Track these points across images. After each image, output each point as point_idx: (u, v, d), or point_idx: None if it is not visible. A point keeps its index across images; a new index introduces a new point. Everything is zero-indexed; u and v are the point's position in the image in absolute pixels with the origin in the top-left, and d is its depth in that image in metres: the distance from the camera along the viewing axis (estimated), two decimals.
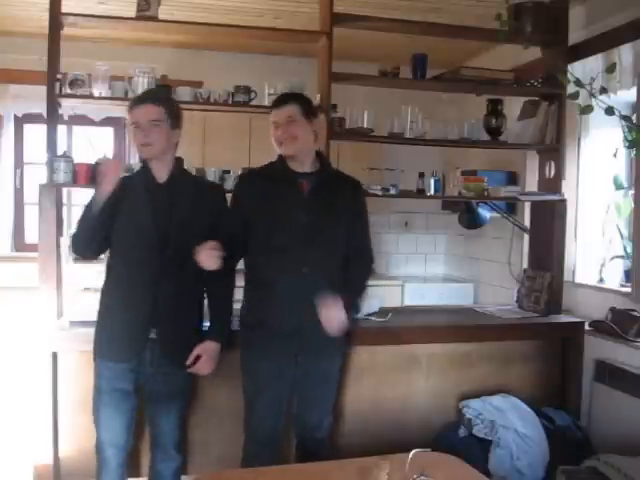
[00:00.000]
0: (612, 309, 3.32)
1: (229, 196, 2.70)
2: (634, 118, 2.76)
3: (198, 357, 2.49)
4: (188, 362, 2.48)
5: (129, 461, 2.61)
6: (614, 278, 3.62)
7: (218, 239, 2.38)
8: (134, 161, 3.84)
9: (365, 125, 3.34)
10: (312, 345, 2.57)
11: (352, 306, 2.65)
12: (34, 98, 4.33)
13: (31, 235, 4.85)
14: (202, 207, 2.50)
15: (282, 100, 2.64)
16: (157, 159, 2.48)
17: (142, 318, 2.44)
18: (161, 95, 2.61)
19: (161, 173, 2.50)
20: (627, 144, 2.60)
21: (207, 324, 2.62)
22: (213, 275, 2.43)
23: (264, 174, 2.69)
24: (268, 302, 2.56)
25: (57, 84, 2.93)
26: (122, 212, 2.44)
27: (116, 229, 2.46)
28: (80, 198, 2.54)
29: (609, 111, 2.44)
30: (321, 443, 2.72)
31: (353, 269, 2.69)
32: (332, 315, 2.46)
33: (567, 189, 3.62)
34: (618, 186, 3.62)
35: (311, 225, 2.56)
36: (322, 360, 2.64)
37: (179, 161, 2.58)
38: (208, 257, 2.33)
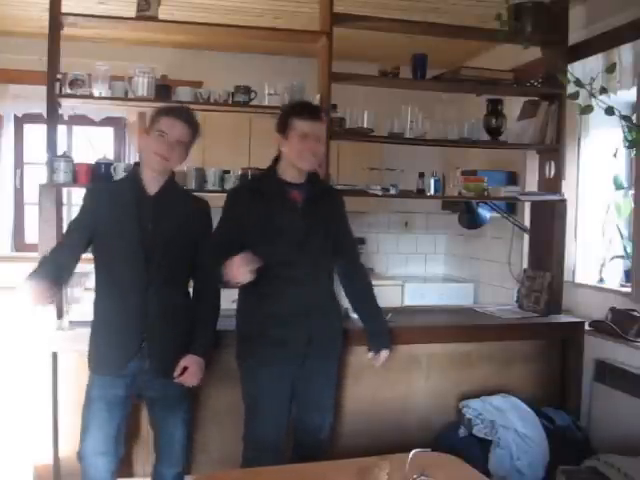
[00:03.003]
0: (612, 309, 3.32)
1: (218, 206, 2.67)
2: (634, 118, 2.76)
3: (185, 368, 2.47)
4: (175, 374, 2.45)
5: (121, 468, 2.59)
6: (614, 278, 3.62)
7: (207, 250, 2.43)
8: (134, 161, 3.82)
9: (365, 125, 3.34)
10: (319, 352, 2.62)
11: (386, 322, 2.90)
12: (34, 98, 4.33)
13: (31, 235, 4.85)
14: (188, 221, 2.47)
15: (317, 113, 2.58)
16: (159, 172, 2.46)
17: (132, 332, 2.41)
18: (194, 117, 2.55)
19: (152, 184, 2.45)
20: (627, 144, 2.60)
21: None
22: (198, 287, 2.51)
23: (256, 188, 2.65)
24: (273, 316, 2.55)
25: (57, 84, 2.92)
26: (106, 220, 2.40)
27: (99, 237, 2.42)
28: (80, 198, 2.51)
29: (609, 111, 2.44)
30: (323, 443, 2.72)
31: (366, 294, 2.83)
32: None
33: (567, 189, 3.62)
34: (618, 186, 3.61)
35: (309, 236, 2.57)
36: (325, 363, 2.69)
37: (172, 174, 2.54)
38: (239, 271, 2.31)
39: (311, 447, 2.69)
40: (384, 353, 2.81)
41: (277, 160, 2.63)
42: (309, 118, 2.51)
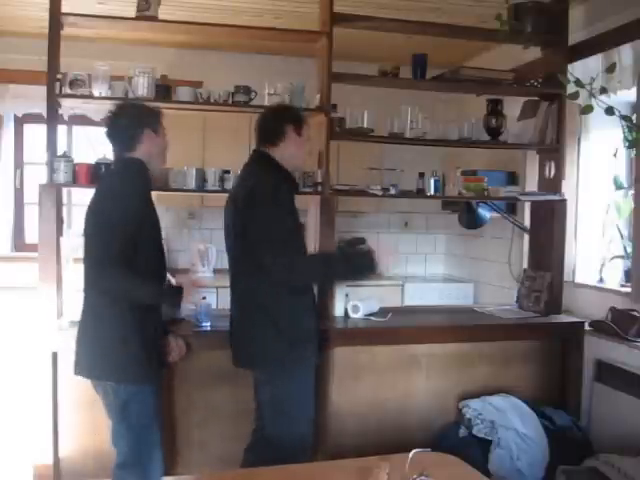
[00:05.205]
0: (612, 309, 3.32)
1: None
2: (634, 118, 2.76)
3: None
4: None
5: None
6: (614, 278, 3.62)
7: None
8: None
9: (365, 125, 3.34)
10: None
11: None
12: (34, 98, 4.32)
13: (31, 235, 4.84)
14: None
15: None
16: None
17: (162, 330, 2.50)
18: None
19: None
20: (627, 144, 2.60)
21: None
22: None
23: (289, 181, 2.65)
24: (309, 309, 2.64)
25: (57, 84, 2.92)
26: (149, 226, 2.35)
27: (143, 242, 2.29)
28: (80, 198, 2.50)
29: (609, 111, 2.44)
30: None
31: None
32: None
33: (567, 189, 3.62)
34: (618, 186, 3.61)
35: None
36: None
37: None
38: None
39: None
40: None
41: (269, 163, 2.62)
42: (305, 122, 2.65)
